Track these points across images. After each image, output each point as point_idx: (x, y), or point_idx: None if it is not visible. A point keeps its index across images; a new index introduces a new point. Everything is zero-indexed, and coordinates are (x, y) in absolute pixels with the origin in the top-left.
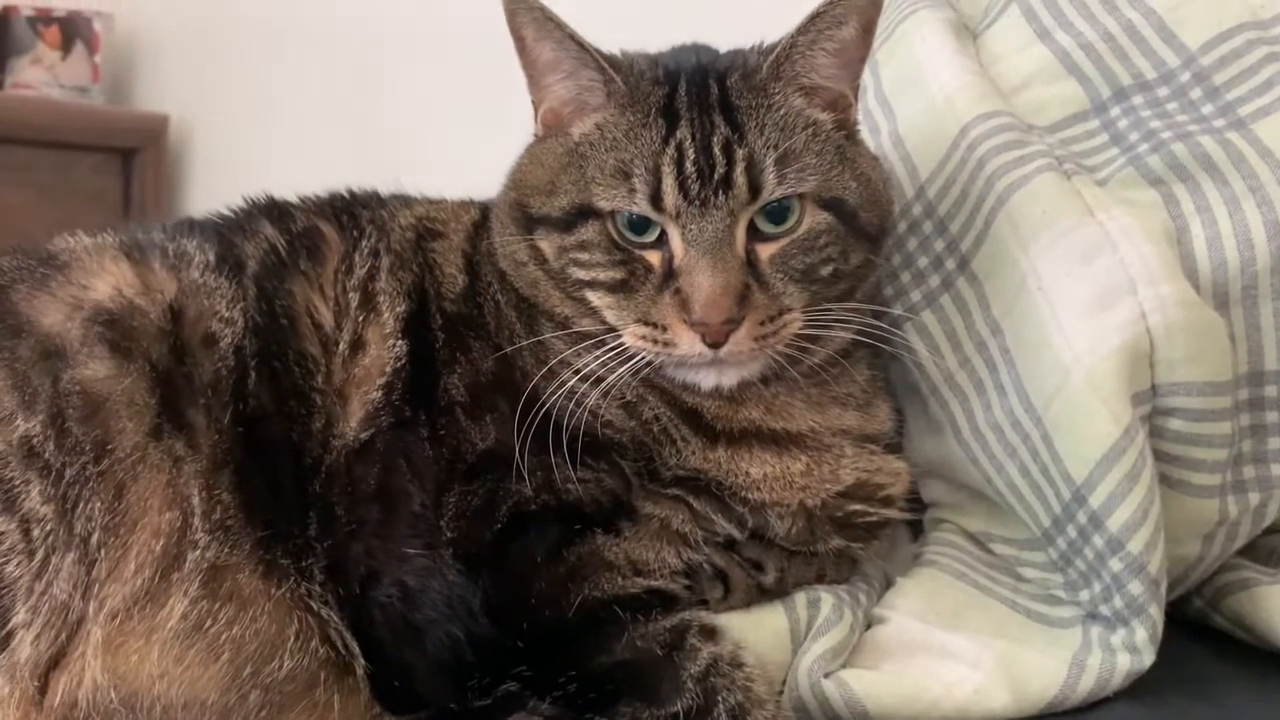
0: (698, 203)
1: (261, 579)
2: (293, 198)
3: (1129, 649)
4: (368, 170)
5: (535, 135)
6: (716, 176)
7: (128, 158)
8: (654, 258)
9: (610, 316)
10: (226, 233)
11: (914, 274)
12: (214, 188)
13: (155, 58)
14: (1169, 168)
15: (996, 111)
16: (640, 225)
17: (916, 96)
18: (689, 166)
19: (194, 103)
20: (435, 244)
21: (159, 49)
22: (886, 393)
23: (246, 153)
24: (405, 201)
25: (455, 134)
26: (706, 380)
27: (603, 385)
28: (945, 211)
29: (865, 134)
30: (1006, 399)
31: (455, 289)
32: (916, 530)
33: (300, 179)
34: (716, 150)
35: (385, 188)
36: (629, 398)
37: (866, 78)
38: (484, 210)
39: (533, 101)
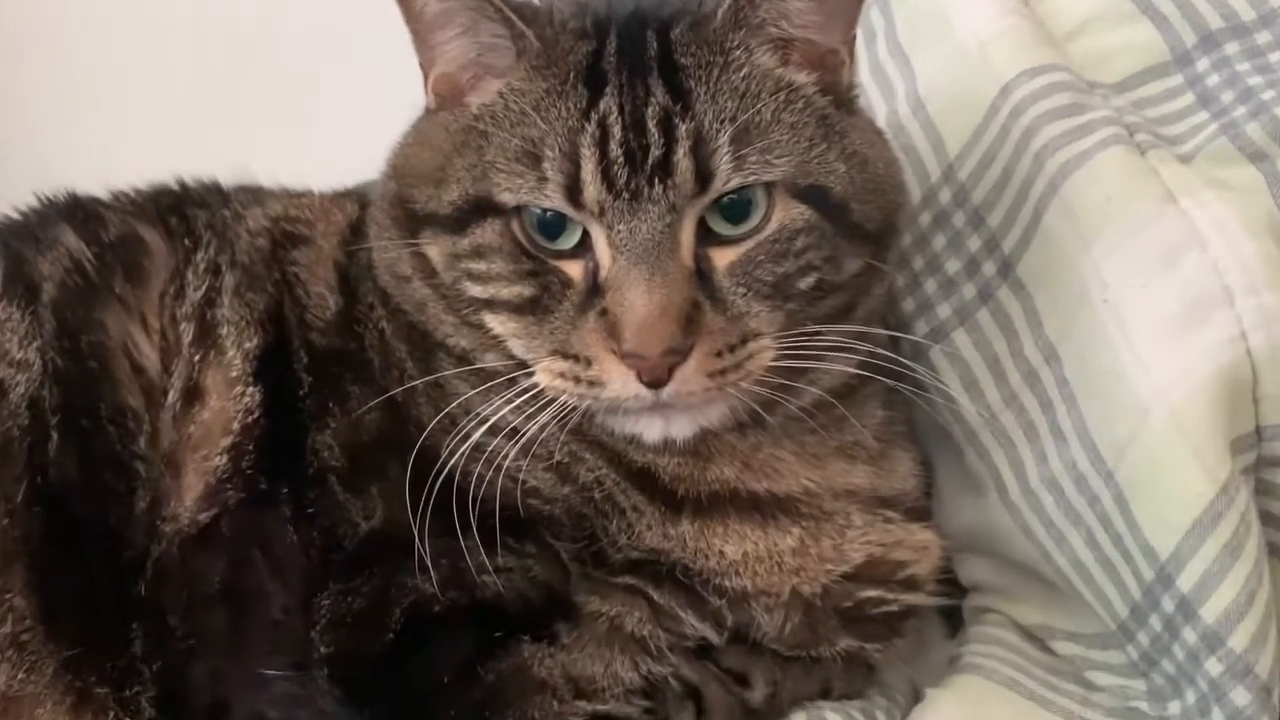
0: (627, 195)
1: (70, 713)
2: (103, 194)
3: None
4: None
5: (426, 109)
6: (652, 160)
7: None
8: (573, 269)
9: (517, 348)
10: (14, 244)
11: (941, 283)
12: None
13: None
14: (1273, 138)
15: (1047, 65)
16: (554, 226)
17: (941, 46)
18: (614, 148)
19: None
20: (298, 254)
21: None
22: (908, 440)
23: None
24: (256, 197)
25: (325, 114)
26: (651, 431)
27: (523, 440)
28: (981, 199)
29: (875, 98)
30: (1067, 448)
31: (325, 315)
32: (953, 624)
33: (122, 173)
34: (651, 125)
35: (228, 177)
36: (559, 456)
37: (874, 20)
38: (365, 206)
39: (421, 65)
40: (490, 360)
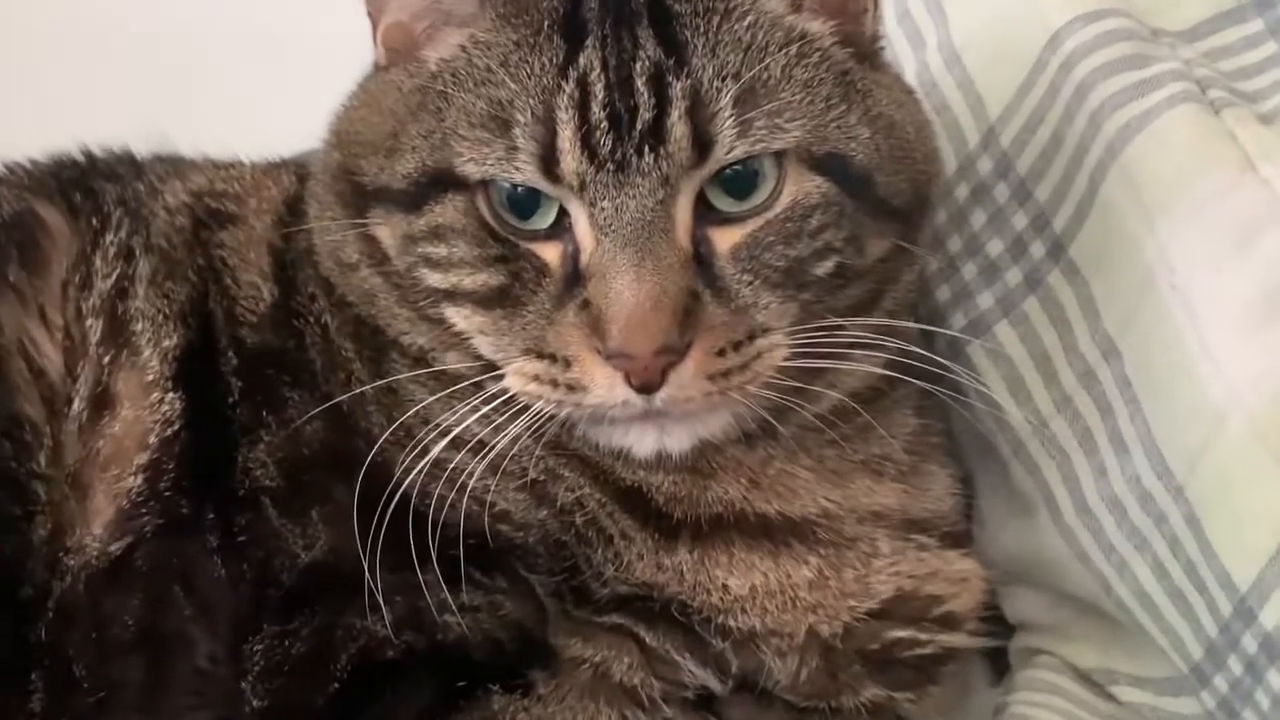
0: (612, 167)
1: None
2: None
3: None
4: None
5: (375, 65)
6: (641, 125)
7: None
8: (549, 253)
9: (484, 346)
10: None
11: (982, 267)
12: None
13: None
14: None
15: (1104, 10)
16: (527, 203)
17: None
18: (597, 110)
19: None
20: (225, 235)
21: None
22: (944, 453)
23: None
24: (175, 168)
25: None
26: (642, 443)
27: (491, 455)
28: (1028, 169)
29: (903, 50)
30: (1129, 460)
31: (258, 308)
32: (998, 668)
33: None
34: (640, 83)
35: (143, 144)
36: (534, 474)
37: None
38: (304, 179)
39: (369, 13)
40: (452, 361)
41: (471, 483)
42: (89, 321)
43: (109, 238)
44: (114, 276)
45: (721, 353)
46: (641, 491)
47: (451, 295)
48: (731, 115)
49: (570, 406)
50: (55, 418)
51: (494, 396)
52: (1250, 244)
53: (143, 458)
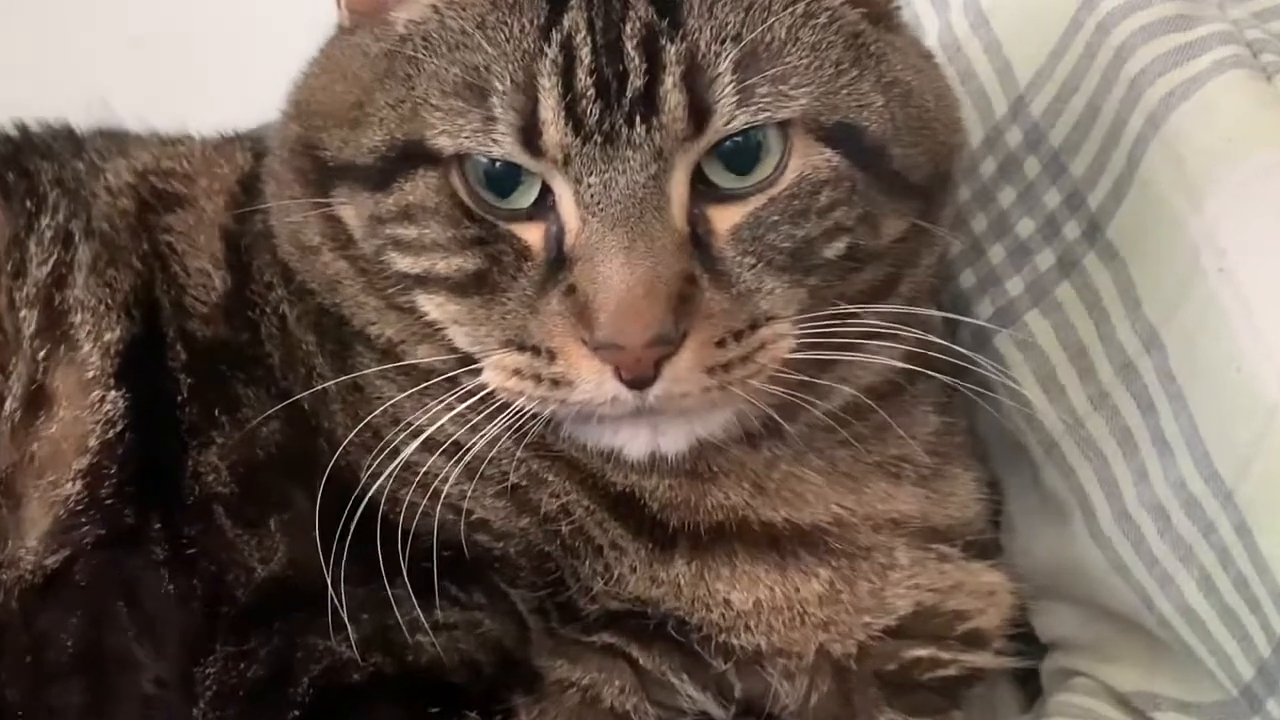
0: (600, 139)
1: None
2: None
3: None
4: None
5: (339, 28)
6: (632, 92)
7: None
8: (531, 234)
9: (460, 338)
10: None
11: (1011, 249)
12: None
13: None
14: None
15: None
16: (506, 179)
17: None
18: (583, 76)
19: None
20: (173, 218)
21: None
22: (969, 454)
23: None
24: (118, 145)
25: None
26: (634, 444)
27: (468, 458)
28: (1061, 141)
29: (924, 10)
30: (1173, 461)
31: (210, 297)
32: (1029, 691)
33: None
34: (630, 46)
35: (83, 118)
36: (515, 479)
37: None
38: (260, 156)
39: None
40: (424, 354)
41: (446, 488)
42: (23, 313)
43: (45, 221)
44: (50, 263)
45: (721, 343)
46: (634, 497)
47: (423, 281)
48: (731, 81)
49: (554, 404)
50: None
51: (470, 393)
52: None
53: (82, 462)
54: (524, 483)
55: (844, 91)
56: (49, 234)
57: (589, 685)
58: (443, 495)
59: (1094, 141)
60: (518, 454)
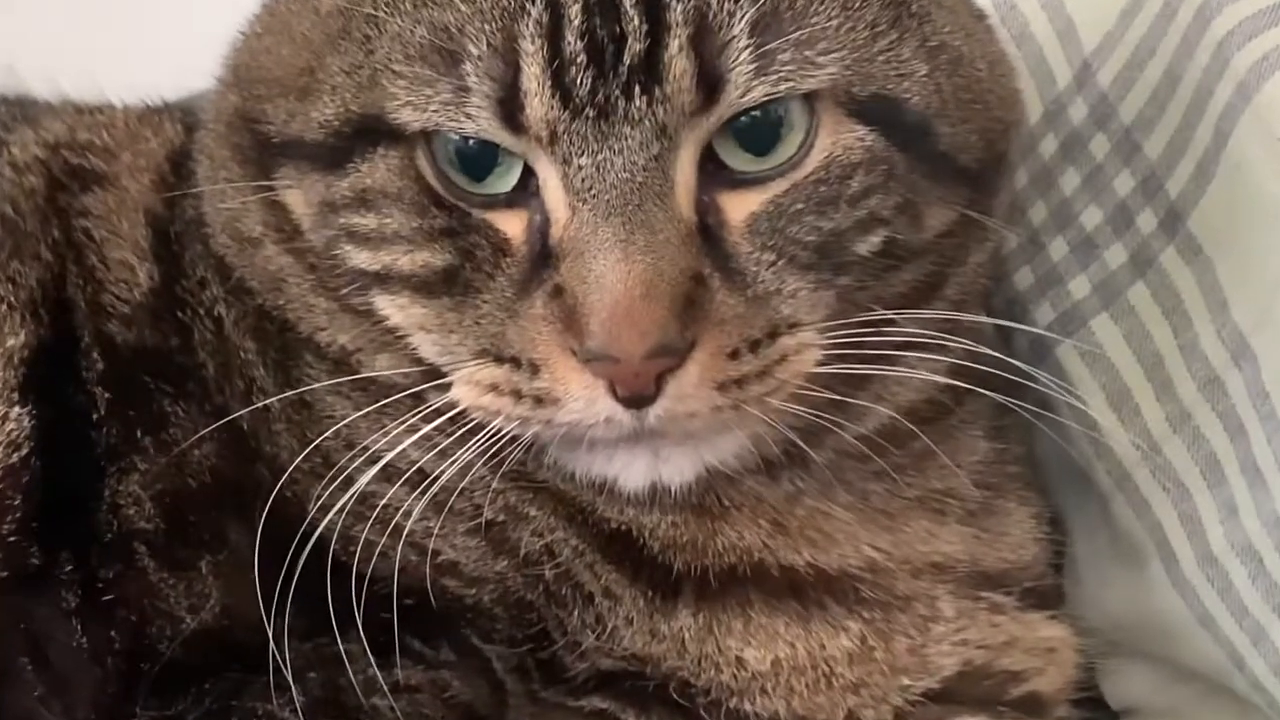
0: (592, 113)
1: None
2: None
3: None
4: None
5: None
6: (630, 58)
7: None
8: (511, 224)
9: (426, 346)
10: None
11: (1075, 245)
12: None
13: None
14: None
15: None
16: (482, 160)
17: None
18: (572, 38)
19: None
20: (90, 200)
21: None
22: (1026, 486)
23: None
24: (25, 113)
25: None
26: (631, 473)
27: (434, 489)
28: (1134, 116)
29: None
30: (1267, 494)
31: (133, 295)
32: None
33: None
34: (629, 4)
35: None
36: (491, 514)
37: None
38: (193, 129)
39: None
40: (384, 366)
41: (409, 524)
42: None
43: None
44: None
45: (735, 354)
46: (631, 536)
47: (383, 280)
48: (748, 46)
49: (538, 425)
50: None
51: (438, 412)
52: None
53: None
54: (501, 518)
55: (881, 58)
56: None
57: None
58: (405, 532)
59: (1172, 116)
60: (494, 484)
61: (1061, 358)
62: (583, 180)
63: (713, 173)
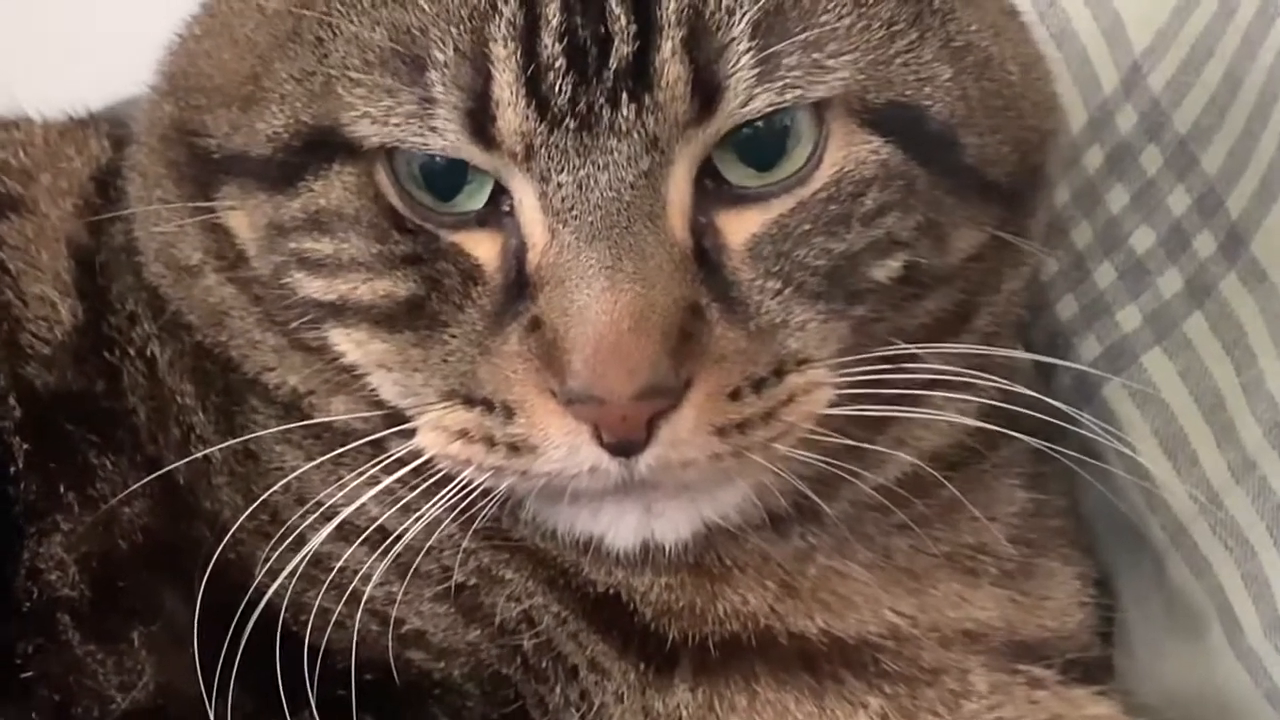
0: (573, 124)
1: None
2: None
3: None
4: None
5: None
6: (617, 62)
7: None
8: (483, 249)
9: (388, 387)
10: None
11: (1124, 270)
12: None
13: None
14: None
15: None
16: (449, 177)
17: None
18: (550, 41)
19: None
20: (5, 228)
21: None
22: (1069, 544)
23: None
24: None
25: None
26: (620, 530)
27: (397, 549)
28: (1189, 126)
29: None
30: None
31: (54, 334)
32: None
33: None
34: (614, 2)
35: None
36: (462, 576)
37: None
38: (122, 144)
39: None
40: (339, 410)
41: (369, 589)
42: None
43: None
44: None
45: (736, 395)
46: (620, 601)
47: (339, 311)
48: (750, 49)
49: (513, 476)
50: None
51: (401, 462)
52: None
53: None
54: (473, 582)
55: (899, 61)
56: None
57: None
58: (364, 598)
59: (1234, 125)
60: (464, 543)
61: (1109, 398)
62: (563, 200)
63: (710, 190)
